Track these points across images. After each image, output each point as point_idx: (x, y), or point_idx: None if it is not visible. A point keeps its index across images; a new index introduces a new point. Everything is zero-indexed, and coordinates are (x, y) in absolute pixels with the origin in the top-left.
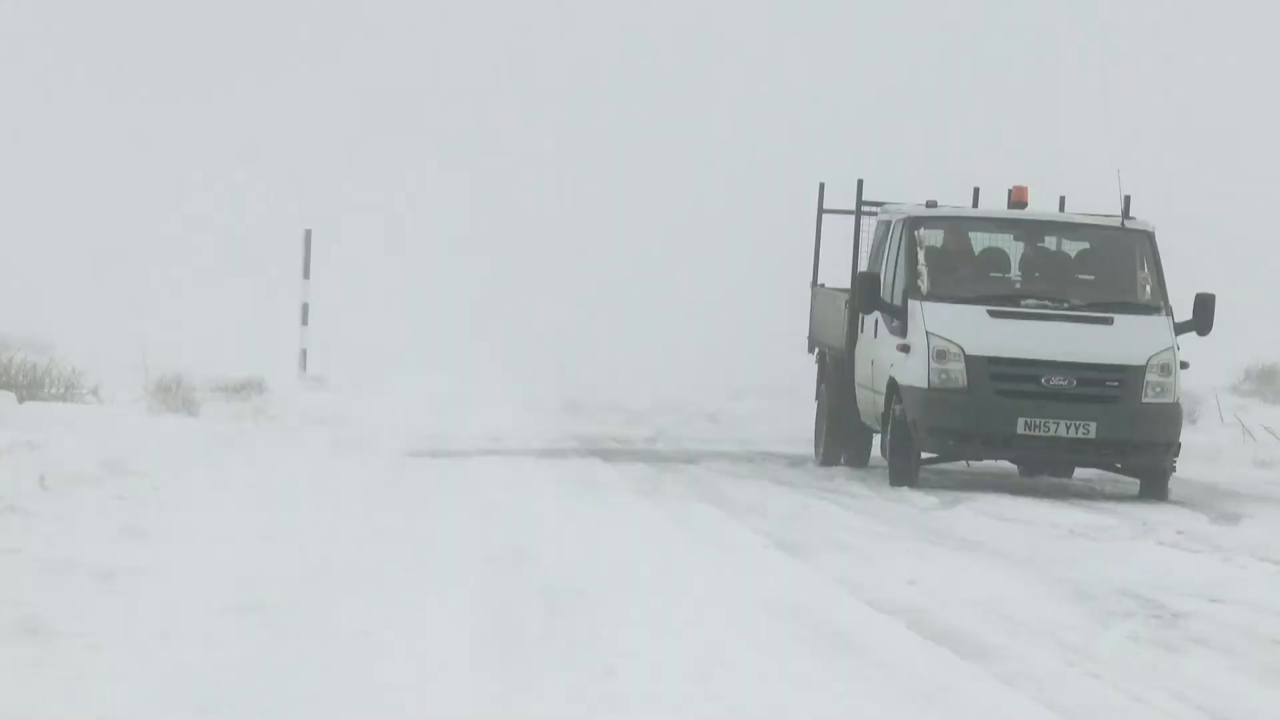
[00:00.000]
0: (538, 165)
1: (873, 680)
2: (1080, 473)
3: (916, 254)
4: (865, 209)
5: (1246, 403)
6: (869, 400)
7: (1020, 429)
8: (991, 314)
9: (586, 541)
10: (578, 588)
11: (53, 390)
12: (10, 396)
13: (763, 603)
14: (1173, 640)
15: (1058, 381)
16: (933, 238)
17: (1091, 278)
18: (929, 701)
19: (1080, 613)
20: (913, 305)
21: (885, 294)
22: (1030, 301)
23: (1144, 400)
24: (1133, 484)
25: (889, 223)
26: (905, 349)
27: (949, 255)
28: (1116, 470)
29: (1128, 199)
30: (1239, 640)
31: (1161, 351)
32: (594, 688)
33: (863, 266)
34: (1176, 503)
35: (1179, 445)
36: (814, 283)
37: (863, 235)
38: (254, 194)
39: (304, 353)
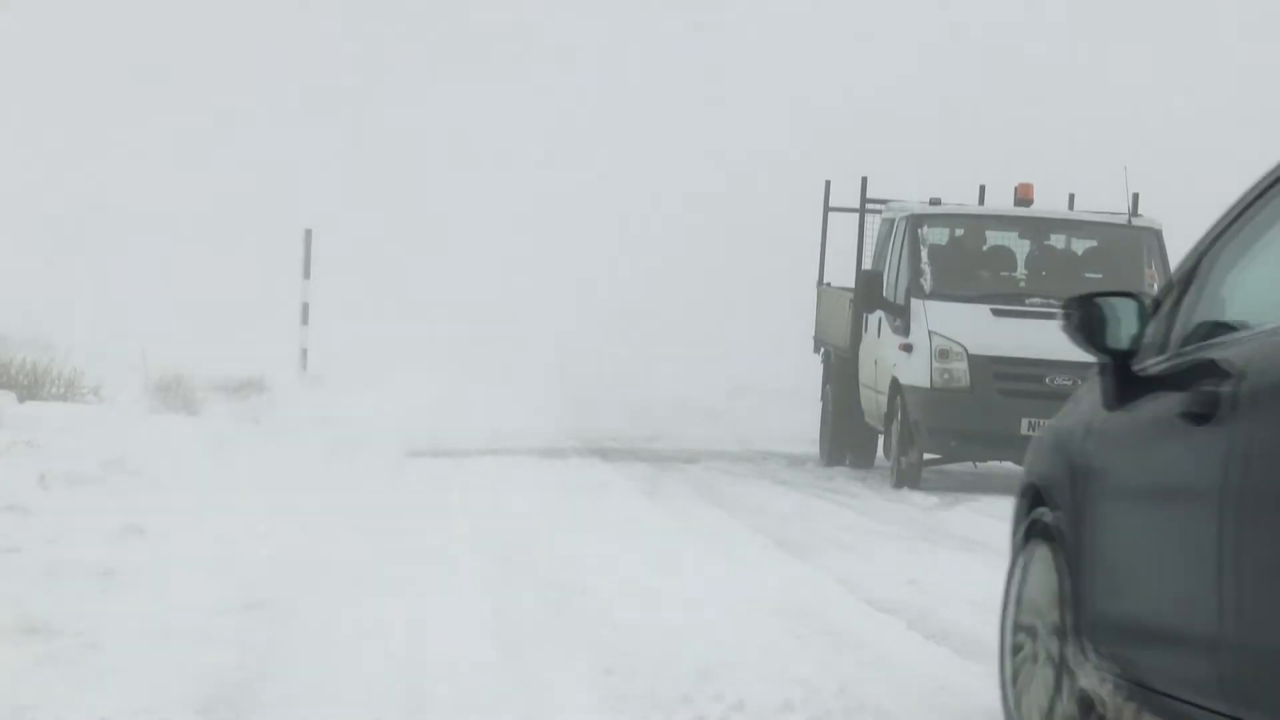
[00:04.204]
0: (537, 164)
1: (873, 680)
2: None
3: (919, 252)
4: (869, 207)
5: None
6: (872, 400)
7: (1024, 429)
8: (995, 313)
9: (587, 541)
10: (578, 587)
11: (53, 390)
12: (10, 396)
13: (763, 602)
14: None
15: (1062, 381)
16: (936, 236)
17: (1098, 276)
18: (929, 701)
19: None
20: (915, 304)
21: (888, 293)
22: (1035, 300)
23: None
24: None
25: (892, 221)
26: (908, 348)
27: (953, 254)
28: None
29: (1135, 196)
30: None
31: None
32: (594, 687)
33: (867, 265)
34: None
35: None
36: (820, 282)
37: (868, 233)
38: (255, 193)
39: (304, 352)
